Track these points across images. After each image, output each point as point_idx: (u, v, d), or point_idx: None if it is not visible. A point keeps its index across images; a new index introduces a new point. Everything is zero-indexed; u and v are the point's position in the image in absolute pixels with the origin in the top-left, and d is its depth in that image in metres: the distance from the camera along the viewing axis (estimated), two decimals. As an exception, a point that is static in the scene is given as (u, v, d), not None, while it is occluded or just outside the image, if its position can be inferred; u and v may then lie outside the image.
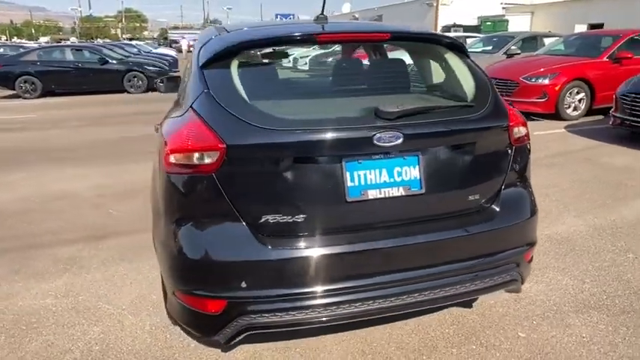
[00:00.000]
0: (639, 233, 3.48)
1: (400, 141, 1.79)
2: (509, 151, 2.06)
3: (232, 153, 1.73)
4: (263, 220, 1.79)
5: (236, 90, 1.89)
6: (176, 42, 60.77)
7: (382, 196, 1.84)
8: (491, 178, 2.03)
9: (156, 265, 3.04)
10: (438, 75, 2.19)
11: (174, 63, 18.14)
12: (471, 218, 1.98)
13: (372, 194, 1.83)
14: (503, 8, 31.20)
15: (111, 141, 7.20)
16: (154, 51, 25.08)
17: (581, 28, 24.06)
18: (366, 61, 2.36)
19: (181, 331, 2.38)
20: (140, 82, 14.08)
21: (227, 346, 2.00)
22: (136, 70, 14.14)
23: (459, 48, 2.21)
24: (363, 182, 1.82)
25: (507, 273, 2.04)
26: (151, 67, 14.48)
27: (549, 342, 2.27)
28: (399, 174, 1.86)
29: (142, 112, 9.99)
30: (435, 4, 34.62)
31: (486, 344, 2.26)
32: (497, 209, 2.03)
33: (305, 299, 1.78)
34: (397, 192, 1.86)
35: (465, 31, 25.99)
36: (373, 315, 1.88)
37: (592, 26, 24.31)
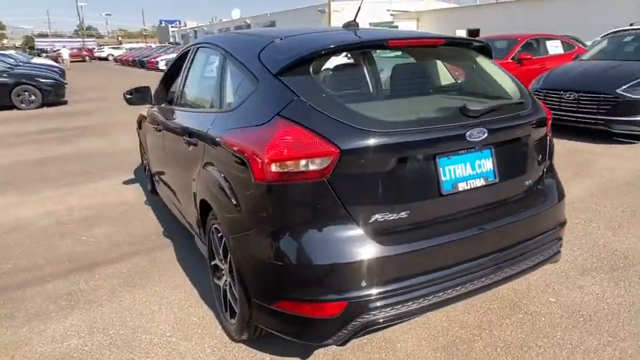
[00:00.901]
0: (590, 206, 4.08)
1: (485, 136, 1.96)
2: (547, 140, 2.35)
3: (345, 157, 1.76)
4: (372, 219, 1.84)
5: (328, 95, 1.92)
6: (45, 51, 55.27)
7: (468, 187, 2.00)
8: (538, 165, 2.30)
9: (178, 286, 2.91)
10: (478, 76, 2.40)
11: (62, 74, 16.48)
12: (530, 201, 2.22)
13: (461, 186, 1.99)
14: (392, 15, 33.40)
15: (33, 163, 6.45)
16: (32, 61, 22.57)
17: (461, 32, 26.71)
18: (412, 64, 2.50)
19: (247, 346, 2.32)
20: (33, 97, 12.62)
21: (340, 346, 2.00)
22: (26, 83, 12.63)
23: (488, 52, 2.45)
24: (453, 176, 1.97)
25: (555, 246, 2.32)
26: (44, 80, 13.04)
27: (575, 302, 2.61)
28: (480, 166, 2.03)
29: (48, 130, 9.05)
30: (327, 11, 35.93)
31: (530, 312, 2.53)
32: (545, 192, 2.30)
33: (416, 290, 1.87)
34: (479, 183, 2.03)
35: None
36: (464, 298, 2.02)
37: (470, 31, 27.13)
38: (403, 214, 1.89)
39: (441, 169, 1.94)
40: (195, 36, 61.86)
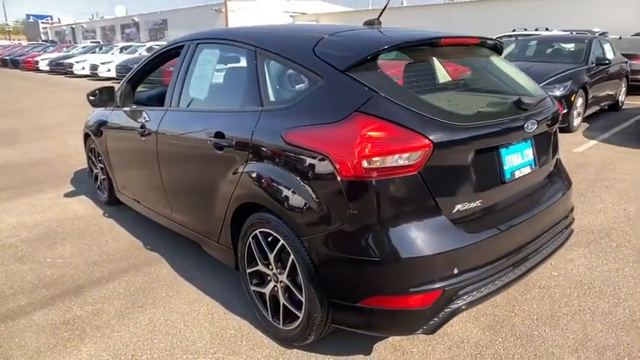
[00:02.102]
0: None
1: (536, 127, 2.15)
2: (557, 132, 2.62)
3: (436, 150, 1.81)
4: (455, 209, 1.92)
5: (404, 90, 1.95)
6: None
7: (520, 175, 2.18)
8: (554, 154, 2.55)
9: (195, 300, 2.76)
10: (499, 73, 2.58)
11: None
12: (555, 187, 2.47)
13: (517, 174, 2.16)
14: (291, 16, 33.76)
15: None
16: None
17: (357, 34, 27.79)
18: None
19: (305, 351, 2.26)
20: None
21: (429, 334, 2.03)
22: None
23: (500, 51, 2.66)
24: (511, 165, 2.12)
25: (570, 227, 2.60)
26: None
27: (573, 273, 2.95)
28: (526, 155, 2.22)
29: None
30: (223, 10, 35.17)
31: (543, 286, 2.80)
32: (561, 178, 2.58)
33: (491, 273, 1.99)
34: (526, 170, 2.22)
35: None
36: (521, 279, 2.18)
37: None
38: (478, 203, 2.00)
39: (502, 158, 2.08)
40: (73, 33, 56.46)
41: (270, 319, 2.36)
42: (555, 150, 2.57)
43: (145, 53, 19.43)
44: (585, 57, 7.68)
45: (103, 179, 4.29)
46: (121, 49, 21.45)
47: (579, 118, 7.30)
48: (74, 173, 5.52)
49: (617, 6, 19.14)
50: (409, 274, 1.84)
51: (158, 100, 3.94)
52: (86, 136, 4.42)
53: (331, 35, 2.23)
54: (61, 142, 7.25)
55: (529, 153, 2.25)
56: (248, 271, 2.45)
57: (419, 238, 1.83)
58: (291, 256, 2.11)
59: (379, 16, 2.58)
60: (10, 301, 2.80)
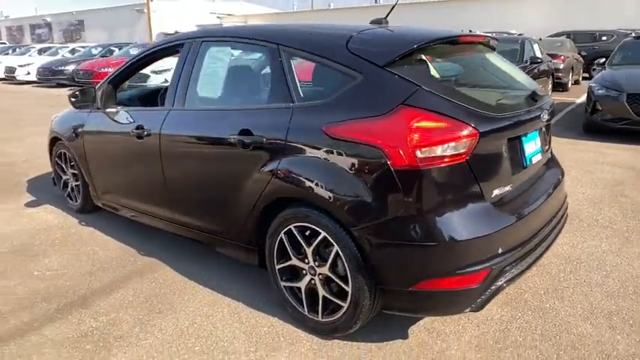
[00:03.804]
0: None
1: (547, 116, 2.37)
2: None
3: (480, 139, 1.95)
4: (494, 194, 2.08)
5: (443, 84, 2.07)
6: None
7: (535, 161, 2.39)
8: (550, 141, 2.81)
9: (215, 302, 2.72)
10: (500, 69, 2.78)
11: None
12: (554, 172, 2.72)
13: (534, 160, 2.37)
14: (218, 17, 33.16)
15: None
16: None
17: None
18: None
19: (346, 341, 2.31)
20: None
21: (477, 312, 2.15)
22: None
23: (494, 49, 2.88)
24: (529, 152, 2.33)
25: (566, 210, 2.87)
26: None
27: (560, 252, 3.22)
28: (537, 143, 2.44)
29: None
30: (145, 11, 33.77)
31: (539, 264, 3.06)
32: (556, 164, 2.84)
33: (526, 251, 2.18)
34: (539, 157, 2.44)
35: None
36: (542, 257, 2.38)
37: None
38: (509, 187, 2.17)
39: (524, 146, 2.28)
40: (-27, 33, 51.24)
41: (306, 313, 2.38)
42: (550, 139, 2.83)
43: (68, 55, 18.20)
44: (520, 56, 8.36)
45: (76, 186, 4.02)
46: (40, 51, 19.88)
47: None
48: (27, 182, 5.10)
49: (534, 9, 21.01)
50: (461, 256, 1.96)
51: (142, 101, 3.80)
52: (54, 141, 4.12)
53: (359, 33, 2.30)
54: (-2, 150, 6.65)
55: (538, 141, 2.48)
56: (278, 267, 2.45)
57: (469, 221, 1.97)
58: (335, 248, 2.15)
59: (387, 16, 2.69)
60: (10, 319, 2.58)
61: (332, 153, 2.10)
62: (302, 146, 2.20)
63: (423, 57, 2.17)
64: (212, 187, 2.67)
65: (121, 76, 3.46)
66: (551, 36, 15.34)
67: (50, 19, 43.28)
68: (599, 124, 6.59)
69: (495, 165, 2.10)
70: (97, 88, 3.50)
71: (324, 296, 2.29)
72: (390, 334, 2.36)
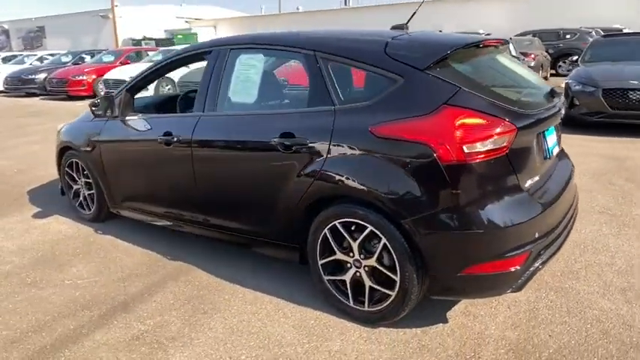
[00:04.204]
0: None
1: (563, 112, 2.58)
2: None
3: (518, 134, 2.15)
4: (527, 184, 2.27)
5: (479, 84, 2.25)
6: None
7: (554, 153, 2.60)
8: (560, 134, 3.05)
9: (256, 299, 2.89)
10: (513, 67, 2.98)
11: None
12: (566, 161, 2.95)
13: (554, 152, 2.58)
14: (186, 22, 32.81)
15: None
16: None
17: (261, 40, 28.04)
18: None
19: (392, 327, 2.46)
20: None
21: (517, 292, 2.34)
22: None
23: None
24: (550, 145, 2.54)
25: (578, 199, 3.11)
26: None
27: (585, 237, 3.46)
28: (554, 137, 2.65)
29: None
30: (110, 16, 33.06)
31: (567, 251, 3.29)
32: (567, 157, 3.07)
33: (555, 236, 2.38)
34: (557, 150, 2.65)
35: (157, 45, 26.31)
36: (565, 241, 2.60)
37: (269, 39, 28.71)
38: (537, 178, 2.38)
39: (546, 139, 2.49)
40: None
41: (351, 304, 2.52)
42: (560, 134, 3.07)
43: (37, 63, 17.67)
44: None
45: (89, 195, 4.02)
46: (4, 60, 19.21)
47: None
48: (28, 194, 5.03)
49: (498, 9, 21.81)
50: (504, 241, 2.15)
51: (158, 108, 3.85)
52: (63, 151, 4.11)
53: (393, 39, 2.46)
54: (-14, 163, 6.48)
55: (554, 135, 2.69)
56: (321, 262, 2.58)
57: (510, 209, 2.16)
58: (382, 241, 2.30)
59: (408, 22, 2.86)
60: (56, 327, 2.60)
61: (380, 151, 2.25)
62: (348, 146, 2.34)
63: (457, 60, 2.35)
64: (251, 189, 2.77)
65: (140, 84, 3.51)
66: (517, 35, 15.98)
67: (8, 25, 41.71)
68: (577, 118, 6.99)
69: (528, 157, 2.30)
70: (114, 96, 3.53)
71: (370, 286, 2.43)
72: (430, 319, 2.52)
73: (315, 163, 2.44)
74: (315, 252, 2.59)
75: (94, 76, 13.25)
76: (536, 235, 2.22)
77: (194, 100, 3.11)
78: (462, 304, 2.65)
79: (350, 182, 2.33)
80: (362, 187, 2.29)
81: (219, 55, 2.96)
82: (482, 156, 2.09)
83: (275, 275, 3.05)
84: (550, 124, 2.53)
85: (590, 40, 10.75)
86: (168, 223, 3.43)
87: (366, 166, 2.29)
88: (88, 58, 16.40)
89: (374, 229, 2.31)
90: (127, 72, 12.16)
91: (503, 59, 2.84)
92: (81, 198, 4.13)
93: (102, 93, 13.43)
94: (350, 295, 2.51)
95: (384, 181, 2.24)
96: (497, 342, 2.34)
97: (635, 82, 6.47)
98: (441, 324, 2.50)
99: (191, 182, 3.05)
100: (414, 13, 2.93)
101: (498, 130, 2.10)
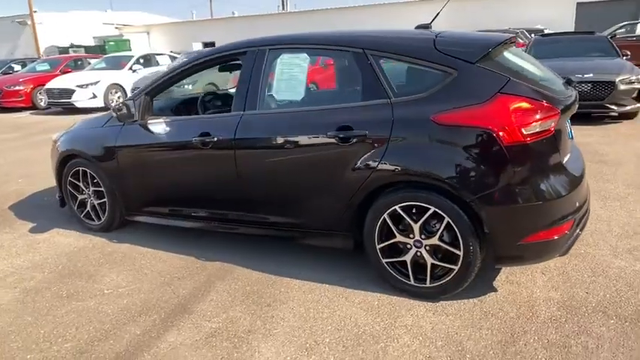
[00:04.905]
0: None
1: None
2: None
3: (560, 117, 2.45)
4: (565, 160, 2.58)
5: (522, 74, 2.53)
6: None
7: (571, 135, 2.95)
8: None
9: (313, 288, 2.86)
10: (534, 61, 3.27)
11: None
12: (573, 142, 3.32)
13: (572, 134, 2.93)
14: (116, 28, 31.37)
15: None
16: None
17: (197, 45, 27.57)
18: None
19: (452, 300, 2.68)
20: None
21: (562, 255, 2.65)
22: None
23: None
24: (569, 128, 2.88)
25: None
26: None
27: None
28: (569, 120, 3.01)
29: None
30: (29, 23, 30.83)
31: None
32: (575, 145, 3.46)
33: (586, 204, 2.72)
34: (571, 132, 3.01)
35: (87, 52, 25.02)
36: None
37: (205, 44, 28.25)
38: (569, 155, 2.70)
39: (568, 122, 2.83)
40: None
41: (412, 282, 2.71)
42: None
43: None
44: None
45: (99, 204, 3.89)
46: None
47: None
48: (10, 209, 4.71)
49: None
50: (557, 211, 2.44)
51: (174, 111, 3.82)
52: (66, 160, 3.93)
53: (437, 36, 2.69)
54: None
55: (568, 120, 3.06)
56: (379, 246, 2.74)
57: (559, 182, 2.46)
58: (445, 220, 2.51)
59: (431, 22, 3.12)
60: (121, 333, 2.56)
61: (442, 138, 2.46)
62: (409, 135, 2.53)
63: (496, 54, 2.62)
64: (304, 182, 2.87)
65: (161, 87, 3.48)
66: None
67: None
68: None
69: (563, 137, 2.62)
70: (133, 100, 3.46)
71: (432, 264, 2.63)
72: (481, 290, 2.77)
73: (376, 153, 2.60)
74: (372, 237, 2.74)
75: (31, 86, 12.39)
76: (577, 205, 2.54)
77: (217, 101, 3.15)
78: (503, 274, 2.94)
79: (414, 168, 2.53)
80: (426, 172, 2.49)
81: (257, 55, 3.03)
82: (536, 137, 2.37)
83: (319, 266, 3.16)
84: (573, 109, 2.87)
85: (521, 41, 11.73)
86: (200, 224, 3.43)
87: (429, 152, 2.49)
88: (18, 68, 15.25)
89: (437, 210, 2.52)
90: (74, 80, 11.55)
91: (522, 54, 3.17)
92: (88, 208, 3.97)
93: (42, 104, 12.61)
94: (410, 274, 2.70)
95: (448, 164, 2.45)
96: (546, 302, 2.64)
97: (579, 76, 7.23)
98: (492, 293, 2.76)
99: (233, 180, 3.09)
100: (437, 14, 3.18)
101: (547, 113, 2.39)
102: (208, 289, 2.98)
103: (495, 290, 2.78)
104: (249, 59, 3.06)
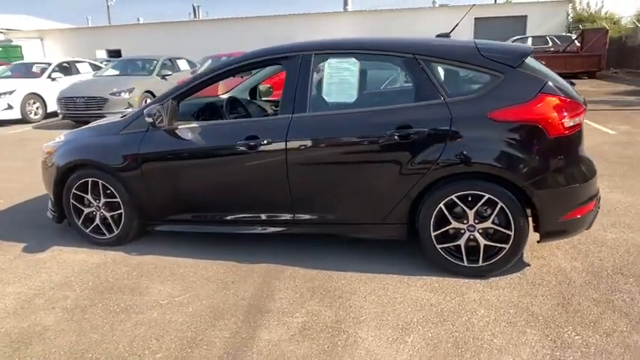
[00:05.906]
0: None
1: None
2: None
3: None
4: (584, 149, 3.08)
5: (551, 77, 2.97)
6: None
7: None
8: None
9: (371, 278, 3.01)
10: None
11: None
12: None
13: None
14: (1, 33, 28.15)
15: None
16: None
17: (101, 53, 25.85)
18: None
19: (495, 277, 3.03)
20: None
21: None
22: None
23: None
24: (577, 122, 3.42)
25: None
26: None
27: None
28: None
29: None
30: None
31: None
32: None
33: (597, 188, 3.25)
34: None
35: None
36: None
37: (110, 52, 26.58)
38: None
39: (579, 117, 3.37)
40: None
41: (465, 263, 3.02)
42: None
43: None
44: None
45: (111, 216, 3.67)
46: None
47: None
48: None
49: (346, 26, 23.89)
50: (589, 190, 2.93)
51: (196, 116, 3.77)
52: (71, 171, 3.66)
53: (477, 44, 3.05)
54: None
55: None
56: (434, 234, 3.02)
57: (588, 167, 2.94)
58: (499, 204, 2.86)
59: (451, 30, 3.50)
60: (210, 338, 2.53)
61: (498, 132, 2.81)
62: (467, 130, 2.85)
63: (528, 60, 3.06)
64: (361, 179, 3.05)
65: (190, 92, 3.43)
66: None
67: None
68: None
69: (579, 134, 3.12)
70: (160, 105, 3.36)
71: (485, 245, 2.96)
72: (517, 266, 3.14)
73: (435, 149, 2.88)
74: (428, 226, 3.01)
75: None
76: (598, 185, 3.05)
77: (242, 106, 3.21)
78: (526, 251, 3.36)
79: (473, 160, 2.85)
80: (485, 163, 2.83)
81: (303, 60, 3.15)
82: (572, 129, 2.83)
83: (367, 257, 3.35)
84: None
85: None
86: (234, 228, 3.44)
87: (486, 146, 2.83)
88: None
89: (491, 196, 2.87)
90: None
91: (536, 62, 3.66)
92: (97, 221, 3.73)
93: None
94: (464, 256, 3.01)
95: (504, 155, 2.81)
96: (574, 270, 3.10)
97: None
98: (527, 267, 3.17)
99: (283, 182, 3.16)
100: (458, 23, 3.56)
101: (577, 110, 2.86)
102: (271, 289, 3.02)
103: (528, 265, 3.19)
104: (294, 64, 3.17)
